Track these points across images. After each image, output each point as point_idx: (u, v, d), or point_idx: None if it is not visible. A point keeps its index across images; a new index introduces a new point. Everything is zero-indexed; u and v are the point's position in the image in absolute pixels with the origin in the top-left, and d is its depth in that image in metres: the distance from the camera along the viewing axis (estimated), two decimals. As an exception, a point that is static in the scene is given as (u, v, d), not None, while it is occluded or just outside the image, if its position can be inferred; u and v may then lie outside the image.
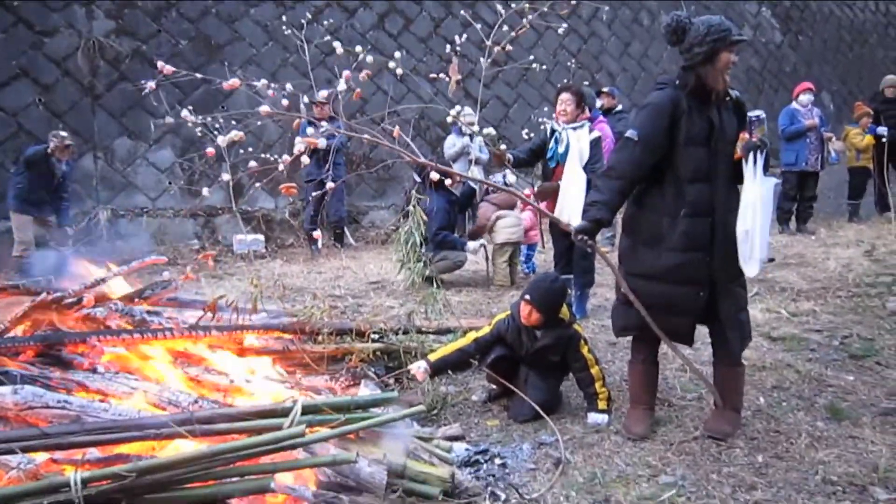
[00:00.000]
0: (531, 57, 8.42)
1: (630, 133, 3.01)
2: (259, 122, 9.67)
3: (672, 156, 2.98)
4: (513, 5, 4.13)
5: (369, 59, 3.19)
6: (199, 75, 3.37)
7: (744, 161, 2.92)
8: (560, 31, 10.46)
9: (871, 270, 6.43)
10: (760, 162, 2.88)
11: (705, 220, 2.95)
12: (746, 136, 2.94)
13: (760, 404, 3.56)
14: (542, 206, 4.95)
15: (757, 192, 2.87)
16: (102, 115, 9.06)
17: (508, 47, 3.85)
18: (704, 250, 2.95)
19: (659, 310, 3.03)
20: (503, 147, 4.60)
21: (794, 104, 8.76)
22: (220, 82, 3.12)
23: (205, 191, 3.47)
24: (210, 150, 3.27)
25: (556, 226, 5.16)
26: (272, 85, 3.19)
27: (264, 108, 3.05)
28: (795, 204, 8.84)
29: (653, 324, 3.02)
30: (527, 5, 4.06)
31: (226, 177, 3.23)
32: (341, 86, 3.41)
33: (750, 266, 2.93)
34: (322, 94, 7.33)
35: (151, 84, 3.08)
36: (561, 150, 4.90)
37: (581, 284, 5.22)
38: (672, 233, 2.99)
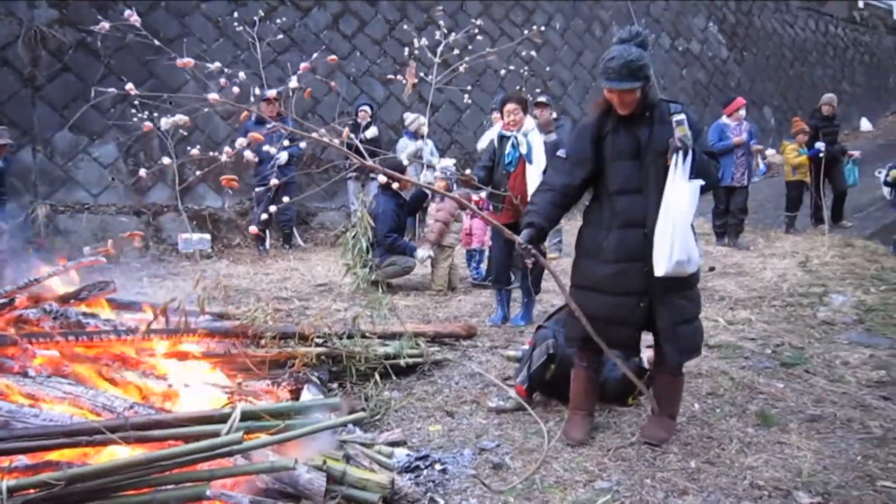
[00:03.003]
0: (489, 57, 8.48)
1: (560, 152, 3.27)
2: (206, 112, 9.52)
3: (604, 171, 3.13)
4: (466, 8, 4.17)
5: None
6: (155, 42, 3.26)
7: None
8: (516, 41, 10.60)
9: (804, 281, 6.70)
10: (683, 163, 2.90)
11: (638, 231, 3.02)
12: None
13: (695, 410, 3.68)
14: (490, 214, 5.04)
15: (676, 192, 2.91)
16: (43, 107, 8.75)
17: (458, 51, 3.89)
18: (640, 260, 3.01)
19: (601, 320, 3.11)
20: (468, 171, 4.75)
21: (723, 119, 8.83)
22: (175, 58, 3.07)
23: (142, 171, 3.40)
24: (147, 124, 3.16)
25: (497, 235, 5.27)
26: (225, 70, 3.16)
27: (213, 96, 2.99)
28: (726, 218, 8.91)
29: (593, 332, 3.09)
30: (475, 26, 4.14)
31: (166, 160, 3.14)
32: (293, 83, 3.39)
33: (660, 265, 2.94)
34: (271, 92, 7.29)
35: (105, 25, 2.99)
36: (523, 150, 5.03)
37: (528, 292, 5.31)
38: (608, 244, 3.08)
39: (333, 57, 3.91)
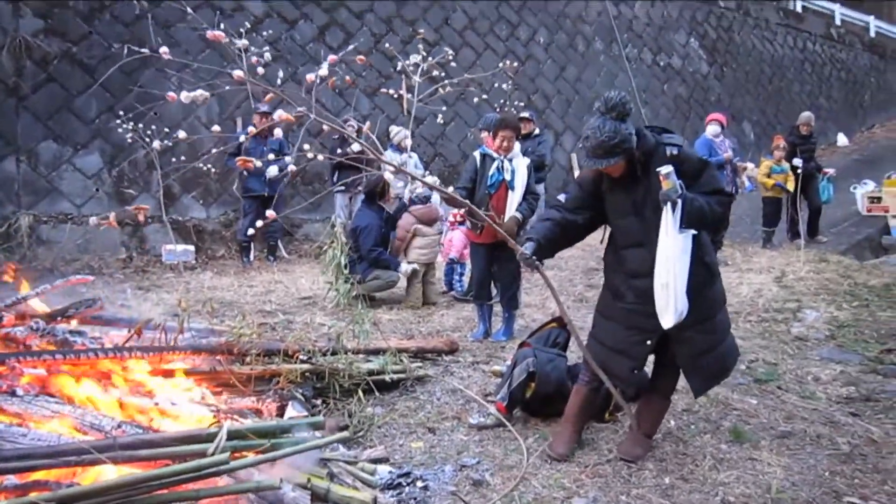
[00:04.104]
0: (470, 76, 8.61)
1: (560, 196, 3.38)
2: (192, 122, 9.54)
3: (611, 224, 3.28)
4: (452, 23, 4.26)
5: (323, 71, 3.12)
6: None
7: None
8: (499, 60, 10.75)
9: (779, 296, 6.84)
10: (673, 215, 2.93)
11: (647, 280, 3.08)
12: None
13: (671, 427, 3.78)
14: (468, 233, 5.13)
15: (671, 246, 2.96)
16: (27, 117, 8.74)
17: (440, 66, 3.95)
18: (653, 303, 3.07)
19: (608, 347, 3.28)
20: (450, 189, 4.80)
21: (707, 134, 8.91)
22: (205, 28, 3.05)
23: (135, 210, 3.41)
24: (171, 94, 3.01)
25: (477, 250, 5.36)
26: (251, 48, 3.08)
27: (238, 73, 2.89)
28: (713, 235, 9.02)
29: (588, 355, 3.27)
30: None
31: (157, 144, 3.14)
32: (323, 71, 3.28)
33: (666, 318, 3.02)
34: (266, 99, 7.33)
35: (165, 49, 2.97)
36: (507, 176, 5.14)
37: (508, 307, 5.40)
38: (626, 290, 3.21)
39: (362, 57, 3.97)
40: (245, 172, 8.12)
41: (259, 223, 3.33)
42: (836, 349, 5.25)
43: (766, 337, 5.57)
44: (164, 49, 2.93)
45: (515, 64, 10.64)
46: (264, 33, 10.31)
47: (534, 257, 3.18)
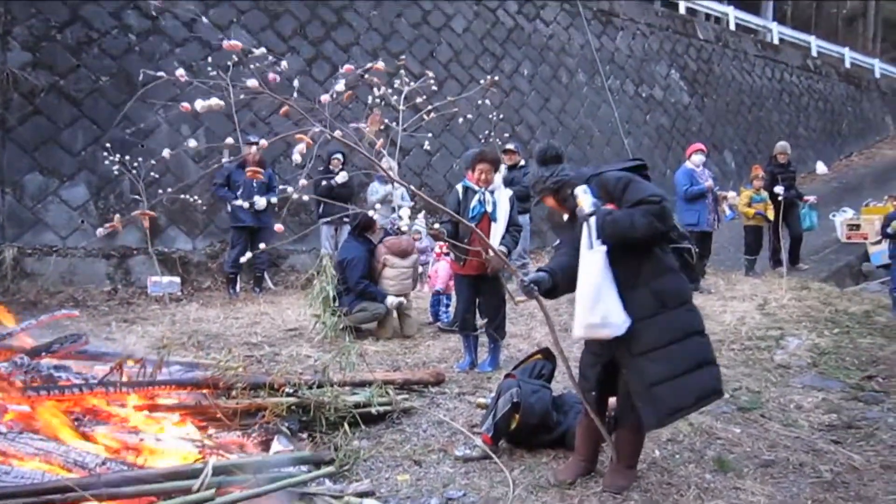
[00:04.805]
0: (453, 108, 8.77)
1: (556, 242, 3.66)
2: (178, 154, 9.58)
3: None
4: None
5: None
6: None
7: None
8: (483, 83, 10.92)
9: (762, 324, 6.92)
10: (588, 232, 3.08)
11: None
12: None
13: (656, 457, 3.80)
14: (452, 265, 5.18)
15: (584, 260, 3.10)
16: (13, 149, 8.75)
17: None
18: None
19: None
20: (436, 225, 4.90)
21: (688, 164, 8.98)
22: (221, 40, 3.05)
23: (116, 220, 3.37)
24: (185, 105, 2.99)
25: (461, 281, 5.41)
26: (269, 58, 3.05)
27: (252, 82, 2.88)
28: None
29: (575, 384, 3.30)
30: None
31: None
32: (340, 86, 3.29)
33: (575, 328, 3.15)
34: (282, 112, 7.39)
35: (182, 72, 2.94)
36: (489, 208, 5.23)
37: (494, 338, 5.43)
38: None
39: (380, 65, 4.01)
40: (233, 205, 8.14)
41: (248, 254, 3.35)
42: (818, 376, 5.31)
43: (749, 365, 5.63)
44: (180, 72, 2.95)
45: (497, 78, 10.74)
46: (252, 66, 10.41)
47: (532, 285, 3.22)
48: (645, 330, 3.06)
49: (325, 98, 3.01)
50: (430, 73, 8.05)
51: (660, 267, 3.16)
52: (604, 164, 3.45)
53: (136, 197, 8.76)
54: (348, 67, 3.15)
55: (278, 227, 3.35)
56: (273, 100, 3.00)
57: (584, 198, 3.08)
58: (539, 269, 3.37)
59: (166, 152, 3.12)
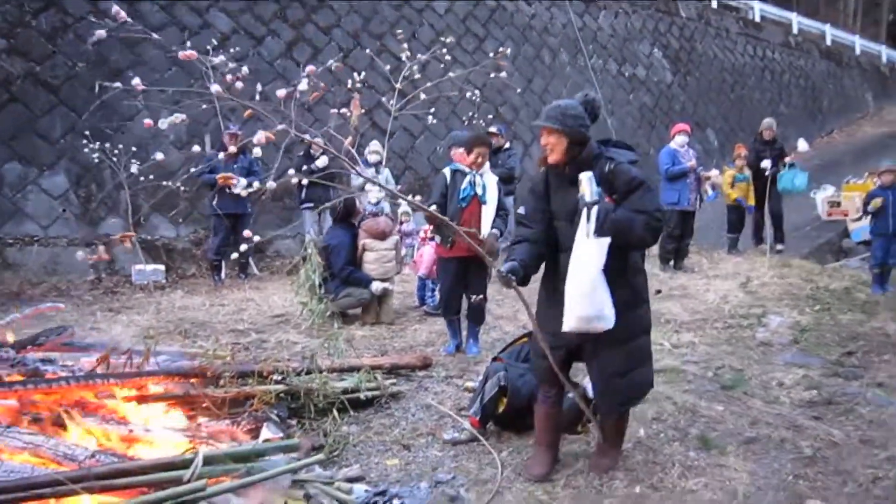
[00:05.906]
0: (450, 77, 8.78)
1: (520, 209, 3.41)
2: (160, 140, 9.47)
3: (554, 225, 3.30)
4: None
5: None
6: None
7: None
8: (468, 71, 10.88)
9: (744, 302, 7.01)
10: (588, 221, 3.01)
11: None
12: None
13: (641, 436, 3.85)
14: (438, 248, 5.19)
15: (580, 250, 3.05)
16: (-11, 139, 8.63)
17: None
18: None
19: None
20: (432, 207, 4.89)
21: (672, 144, 8.96)
22: (176, 50, 3.05)
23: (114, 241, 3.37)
24: (148, 121, 3.03)
25: (445, 265, 5.41)
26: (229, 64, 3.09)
27: (216, 88, 2.92)
28: (678, 243, 8.80)
29: (556, 366, 3.25)
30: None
31: (135, 169, 3.09)
32: (302, 85, 3.30)
33: (566, 320, 3.08)
34: (246, 115, 7.32)
35: (137, 81, 2.99)
36: (479, 191, 5.24)
37: (474, 323, 5.47)
38: (551, 293, 3.28)
39: (339, 65, 3.95)
40: (220, 190, 8.10)
41: (243, 247, 3.32)
42: (800, 353, 5.41)
43: (732, 343, 5.70)
44: (136, 81, 2.95)
45: (509, 51, 10.58)
46: (231, 50, 10.28)
47: (509, 275, 3.20)
48: (618, 323, 3.08)
49: (281, 93, 3.02)
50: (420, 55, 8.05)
51: (637, 265, 3.30)
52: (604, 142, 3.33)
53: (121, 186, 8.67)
54: (311, 69, 3.17)
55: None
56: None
57: (589, 185, 3.01)
58: (508, 260, 3.29)
59: (159, 156, 3.11)
